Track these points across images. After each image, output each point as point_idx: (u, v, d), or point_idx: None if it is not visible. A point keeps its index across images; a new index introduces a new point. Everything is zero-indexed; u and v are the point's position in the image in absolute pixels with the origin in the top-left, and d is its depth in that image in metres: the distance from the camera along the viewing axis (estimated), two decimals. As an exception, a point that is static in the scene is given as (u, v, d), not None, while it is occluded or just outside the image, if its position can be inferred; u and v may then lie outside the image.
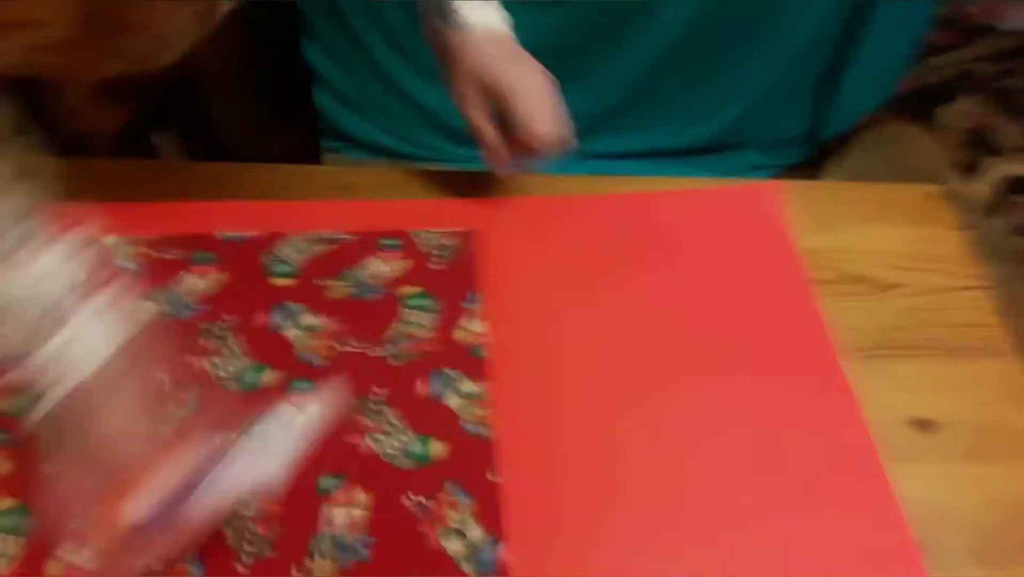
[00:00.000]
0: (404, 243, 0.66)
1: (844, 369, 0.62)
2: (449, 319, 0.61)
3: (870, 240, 0.72)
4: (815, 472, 0.56)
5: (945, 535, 0.55)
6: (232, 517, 0.50)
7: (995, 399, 0.63)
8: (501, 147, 0.64)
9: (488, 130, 0.64)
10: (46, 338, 0.43)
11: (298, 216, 0.67)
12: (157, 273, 0.61)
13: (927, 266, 0.71)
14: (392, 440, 0.55)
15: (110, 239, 0.62)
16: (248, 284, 0.62)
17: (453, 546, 0.50)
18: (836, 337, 0.64)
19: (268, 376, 0.57)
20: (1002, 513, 0.57)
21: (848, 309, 0.67)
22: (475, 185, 0.72)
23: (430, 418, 0.56)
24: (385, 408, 0.56)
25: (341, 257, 0.64)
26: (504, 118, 0.63)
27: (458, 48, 0.63)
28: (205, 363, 0.57)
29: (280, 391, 0.56)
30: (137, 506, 0.41)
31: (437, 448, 0.55)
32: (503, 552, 0.50)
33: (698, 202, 0.72)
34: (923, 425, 0.61)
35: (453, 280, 0.64)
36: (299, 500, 0.51)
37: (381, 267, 0.64)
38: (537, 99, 0.62)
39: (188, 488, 0.42)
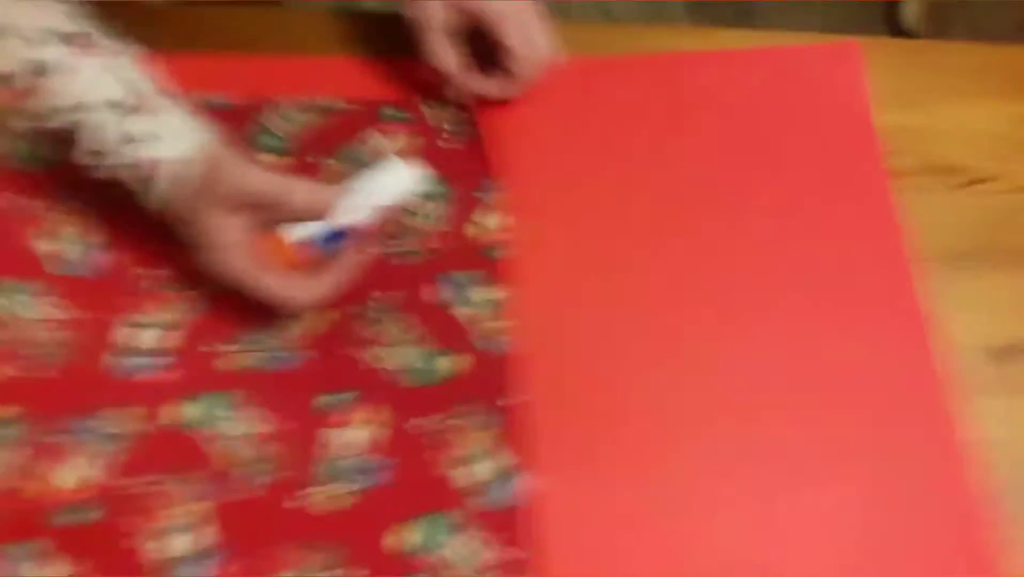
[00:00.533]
0: (412, 115, 0.57)
1: (916, 285, 0.54)
2: (462, 211, 0.55)
3: (966, 120, 0.61)
4: (869, 408, 0.51)
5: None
6: (229, 438, 0.48)
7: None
8: (468, 79, 0.55)
9: (454, 64, 0.55)
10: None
11: (288, 76, 0.58)
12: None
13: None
14: (401, 354, 0.51)
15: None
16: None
17: (466, 476, 0.48)
18: (911, 242, 0.56)
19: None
20: None
21: (929, 206, 0.58)
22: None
23: (438, 329, 0.51)
24: (387, 316, 0.51)
25: (337, 130, 0.56)
26: (488, 46, 0.54)
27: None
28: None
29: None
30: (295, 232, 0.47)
31: (445, 364, 0.51)
32: (523, 483, 0.48)
33: (760, 65, 0.61)
34: (1005, 353, 0.54)
35: (463, 163, 0.56)
36: (297, 423, 0.48)
37: (383, 143, 0.56)
38: (528, 26, 0.54)
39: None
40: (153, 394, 0.48)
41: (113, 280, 0.51)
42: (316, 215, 0.47)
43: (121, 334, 0.49)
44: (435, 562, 0.46)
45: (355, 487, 0.48)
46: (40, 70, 0.44)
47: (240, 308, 0.49)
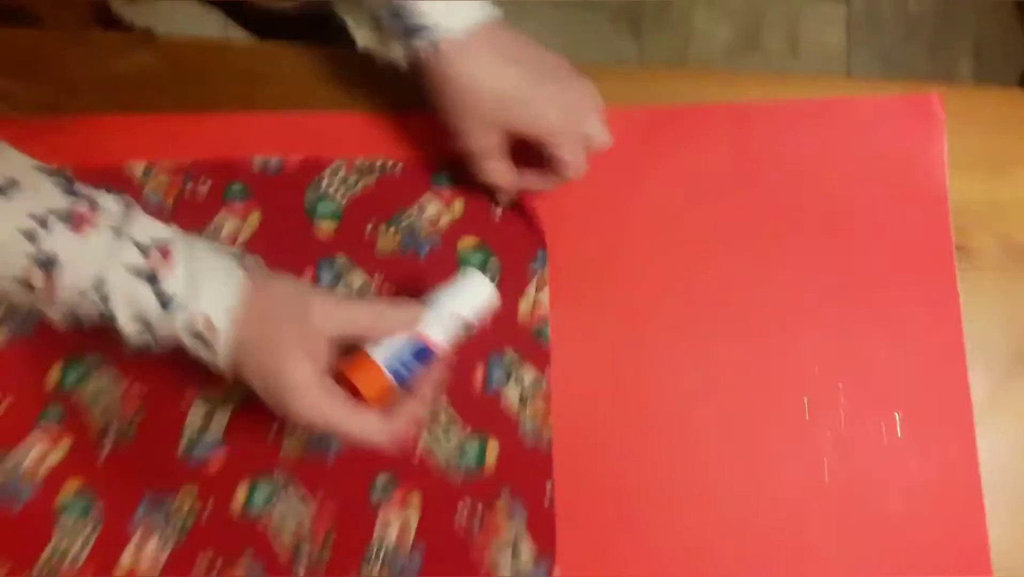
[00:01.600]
0: (459, 177, 0.55)
1: (967, 381, 0.53)
2: (515, 286, 0.54)
3: None
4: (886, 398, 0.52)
5: None
6: (286, 521, 0.50)
7: None
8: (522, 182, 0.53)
9: (513, 180, 0.52)
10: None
11: (343, 133, 0.56)
12: (191, 212, 0.54)
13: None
14: (445, 441, 0.52)
15: (137, 167, 0.55)
16: (290, 228, 0.54)
17: (505, 564, 0.50)
18: (971, 334, 0.54)
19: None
20: None
21: (998, 303, 0.55)
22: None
23: (484, 414, 0.52)
24: (439, 402, 0.52)
25: (393, 195, 0.55)
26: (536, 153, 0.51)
27: (444, 76, 0.47)
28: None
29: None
30: (380, 353, 0.44)
31: (491, 452, 0.52)
32: (556, 573, 0.50)
33: (832, 117, 0.57)
34: None
35: (514, 235, 0.55)
36: (352, 505, 0.51)
37: (438, 210, 0.55)
38: (581, 126, 0.50)
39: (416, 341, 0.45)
40: (218, 477, 0.51)
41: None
42: (406, 332, 0.45)
43: (193, 415, 0.51)
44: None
45: (395, 571, 0.50)
46: (51, 262, 0.41)
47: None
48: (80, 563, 0.50)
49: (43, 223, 0.41)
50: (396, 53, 0.48)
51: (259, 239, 0.54)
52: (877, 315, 0.54)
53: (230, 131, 0.55)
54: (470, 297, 0.47)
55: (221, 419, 0.52)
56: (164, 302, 0.42)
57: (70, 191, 0.42)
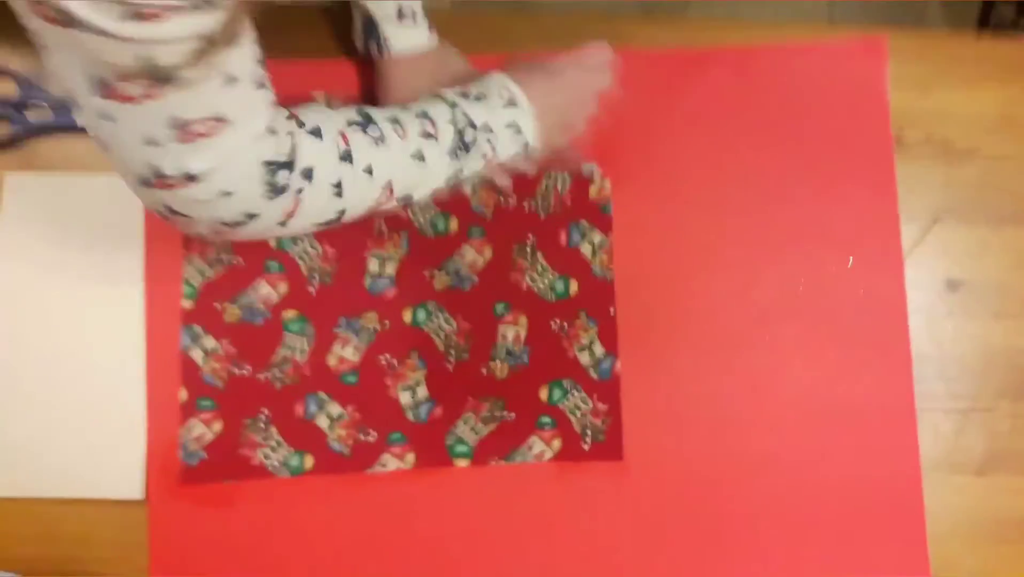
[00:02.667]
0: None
1: (900, 231, 0.77)
2: (583, 178, 0.77)
3: (962, 101, 0.80)
4: (843, 317, 0.76)
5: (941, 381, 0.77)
6: (439, 332, 0.75)
7: (1022, 265, 0.78)
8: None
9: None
10: None
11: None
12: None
13: (1007, 133, 0.80)
14: (542, 279, 0.76)
15: (319, 96, 0.77)
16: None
17: (584, 358, 0.75)
18: (904, 199, 0.78)
19: (453, 224, 0.76)
20: (997, 361, 0.77)
21: (925, 171, 0.79)
22: (613, 35, 0.80)
23: (569, 262, 0.76)
24: (537, 253, 0.76)
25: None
26: None
27: (386, 80, 0.71)
28: (405, 212, 0.76)
29: (463, 236, 0.76)
30: None
31: (573, 286, 0.76)
32: (617, 364, 0.75)
33: (806, 56, 0.80)
34: (953, 285, 0.78)
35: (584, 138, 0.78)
36: (482, 321, 0.75)
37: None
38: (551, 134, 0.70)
39: None
40: (392, 303, 0.75)
41: (362, 227, 0.75)
42: None
43: (372, 263, 0.75)
44: (560, 408, 0.75)
45: (513, 363, 0.75)
46: (419, 156, 0.61)
47: (440, 246, 0.75)
48: (302, 360, 0.74)
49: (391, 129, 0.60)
50: (372, 51, 0.71)
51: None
52: (837, 188, 0.78)
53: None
54: None
55: (390, 267, 0.76)
56: (487, 134, 0.64)
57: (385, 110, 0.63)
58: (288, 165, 0.53)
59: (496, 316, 0.76)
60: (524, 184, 0.76)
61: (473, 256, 0.76)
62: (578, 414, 0.75)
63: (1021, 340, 0.78)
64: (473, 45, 0.76)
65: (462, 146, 0.62)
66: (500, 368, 0.75)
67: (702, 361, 0.76)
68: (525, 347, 0.75)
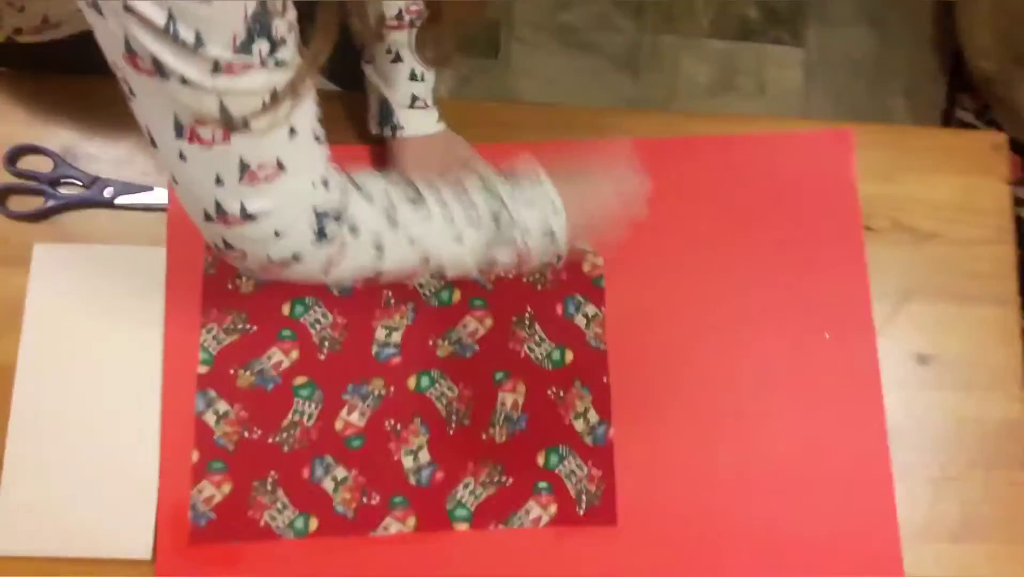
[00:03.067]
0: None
1: (872, 309, 0.83)
2: (577, 253, 0.83)
3: (924, 189, 0.88)
4: (822, 389, 0.81)
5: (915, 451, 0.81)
6: (442, 398, 0.79)
7: (988, 341, 0.84)
8: None
9: None
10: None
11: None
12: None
13: (967, 218, 0.87)
14: (539, 349, 0.81)
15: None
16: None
17: (579, 425, 0.79)
18: (875, 279, 0.84)
19: (456, 295, 0.81)
20: (967, 432, 0.82)
21: (892, 255, 0.86)
22: (602, 125, 0.88)
23: (564, 333, 0.81)
24: (535, 324, 0.81)
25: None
26: None
27: (399, 162, 0.78)
28: (412, 282, 0.81)
29: (464, 307, 0.81)
30: None
31: (568, 356, 0.81)
32: (611, 431, 0.79)
33: (777, 146, 0.87)
34: (923, 359, 0.83)
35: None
36: (482, 388, 0.79)
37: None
38: None
39: None
40: (397, 370, 0.79)
41: (371, 297, 0.81)
42: None
43: (379, 332, 0.80)
44: (557, 473, 0.78)
45: (511, 429, 0.79)
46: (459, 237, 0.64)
47: (444, 316, 0.80)
48: (310, 425, 0.78)
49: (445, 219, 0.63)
50: (386, 133, 0.79)
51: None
52: (812, 267, 0.84)
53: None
54: None
55: (397, 336, 0.80)
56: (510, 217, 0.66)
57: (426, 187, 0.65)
58: (337, 217, 0.58)
59: (495, 383, 0.80)
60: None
61: (475, 326, 0.81)
62: (573, 480, 0.78)
63: (989, 411, 0.83)
64: (468, 131, 0.83)
65: (501, 241, 0.65)
66: (499, 433, 0.79)
67: (691, 428, 0.80)
68: (523, 413, 0.79)
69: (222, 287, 0.80)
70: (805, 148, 0.87)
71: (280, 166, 0.51)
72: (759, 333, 0.83)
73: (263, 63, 0.45)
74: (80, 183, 0.83)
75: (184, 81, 0.44)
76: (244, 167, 0.50)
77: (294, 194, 0.54)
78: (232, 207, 0.52)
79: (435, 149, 0.79)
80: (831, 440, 0.80)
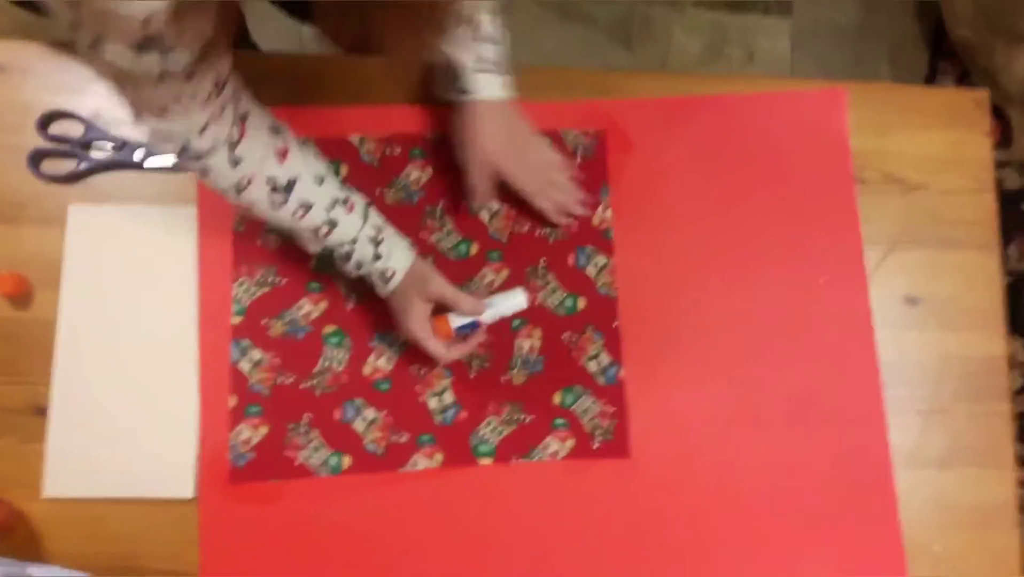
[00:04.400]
0: (554, 140, 0.89)
1: (864, 256, 0.89)
2: (589, 208, 0.88)
3: (912, 144, 0.93)
4: (818, 330, 0.87)
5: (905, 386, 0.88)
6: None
7: (972, 283, 0.90)
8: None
9: (489, 201, 0.86)
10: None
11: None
12: (390, 166, 0.88)
13: (952, 170, 0.93)
14: (553, 297, 0.86)
15: (354, 138, 0.88)
16: (449, 175, 0.88)
17: (591, 366, 0.85)
18: (866, 228, 0.90)
19: (474, 249, 0.86)
20: (953, 368, 0.88)
21: (882, 205, 0.91)
22: (606, 86, 0.92)
23: (577, 282, 0.86)
24: (548, 274, 0.86)
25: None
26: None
27: (469, 125, 0.81)
28: (431, 238, 0.86)
29: (482, 260, 0.86)
30: (454, 320, 0.79)
31: (581, 303, 0.86)
32: (621, 371, 0.84)
33: (774, 104, 0.92)
34: (912, 301, 0.89)
35: (591, 174, 0.89)
36: (501, 335, 0.85)
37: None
38: (543, 189, 0.85)
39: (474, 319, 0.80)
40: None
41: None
42: (470, 315, 0.79)
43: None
44: (572, 411, 0.84)
45: (529, 371, 0.84)
46: (333, 224, 0.74)
47: (463, 268, 0.85)
48: (340, 370, 0.83)
49: (333, 202, 0.73)
50: (454, 98, 0.82)
51: (433, 183, 0.88)
52: (808, 218, 0.89)
53: (407, 116, 0.89)
54: (512, 304, 0.81)
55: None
56: (376, 256, 0.76)
57: (343, 186, 0.75)
58: (196, 157, 0.69)
59: (513, 330, 0.85)
60: (536, 213, 0.87)
61: (492, 277, 0.86)
62: (588, 417, 0.84)
63: (973, 348, 0.89)
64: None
65: (346, 249, 0.76)
66: (518, 375, 0.84)
67: (697, 368, 0.86)
68: (540, 357, 0.85)
69: (252, 243, 0.85)
70: (800, 105, 0.93)
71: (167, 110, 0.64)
72: (759, 279, 0.88)
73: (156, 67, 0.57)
74: (111, 146, 0.87)
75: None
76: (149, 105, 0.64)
77: (173, 131, 0.67)
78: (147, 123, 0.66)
79: (503, 116, 0.82)
80: (827, 378, 0.86)
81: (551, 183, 0.86)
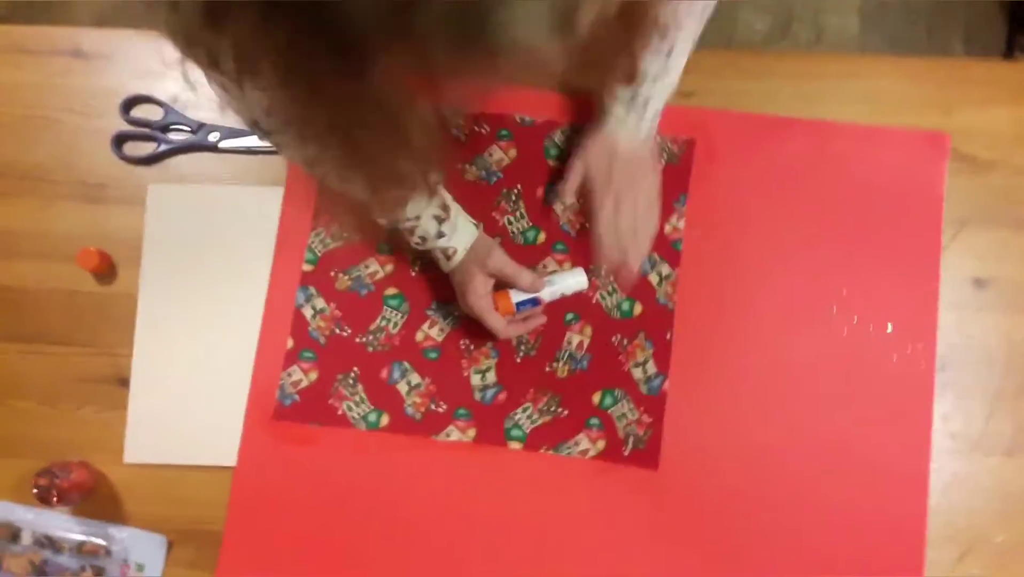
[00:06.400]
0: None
1: (937, 315, 0.85)
2: (662, 214, 0.88)
3: (982, 120, 0.90)
4: (875, 384, 0.84)
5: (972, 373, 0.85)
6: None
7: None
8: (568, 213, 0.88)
9: (573, 184, 0.85)
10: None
11: (567, 106, 0.91)
12: (476, 144, 0.90)
13: (1025, 149, 0.88)
14: (611, 298, 0.86)
15: (448, 110, 0.90)
16: (532, 161, 0.89)
17: (637, 373, 0.85)
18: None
19: (542, 237, 0.88)
20: (1021, 353, 0.85)
21: (950, 184, 0.88)
22: (703, 96, 0.92)
23: (637, 287, 0.86)
24: (610, 274, 0.87)
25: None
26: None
27: (585, 135, 0.82)
28: (503, 220, 0.88)
29: (547, 248, 0.87)
30: (515, 296, 0.80)
31: (637, 308, 0.86)
32: (666, 384, 0.84)
33: (875, 138, 0.89)
34: (980, 283, 0.87)
35: (671, 181, 0.88)
36: (552, 325, 0.86)
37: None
38: (609, 235, 0.82)
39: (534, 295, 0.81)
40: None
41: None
42: (528, 291, 0.80)
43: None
44: (609, 413, 0.84)
45: (573, 366, 0.85)
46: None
47: (528, 254, 0.86)
48: (394, 332, 0.86)
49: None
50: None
51: (513, 166, 0.89)
52: (887, 261, 0.87)
53: (501, 97, 0.91)
54: (572, 283, 0.82)
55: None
56: (439, 234, 0.78)
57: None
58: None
59: (565, 323, 0.86)
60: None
61: (554, 268, 0.87)
62: (624, 422, 0.84)
63: (1042, 333, 0.85)
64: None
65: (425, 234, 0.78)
66: (562, 369, 0.85)
67: (744, 395, 0.85)
68: (586, 354, 0.85)
69: (334, 196, 0.89)
70: (900, 143, 0.89)
71: None
72: (823, 317, 0.86)
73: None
74: (188, 129, 0.92)
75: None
76: None
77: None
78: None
79: (617, 150, 0.82)
80: (873, 433, 0.83)
81: (627, 221, 0.83)
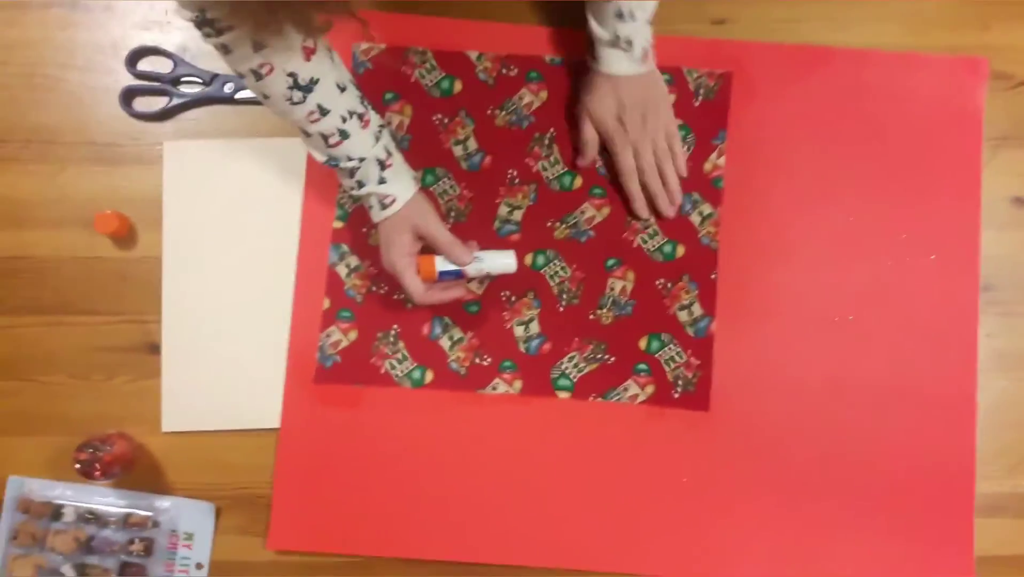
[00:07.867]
0: (675, 78, 0.86)
1: (979, 235, 0.84)
2: (700, 152, 0.85)
3: (1019, 36, 0.88)
4: (921, 313, 0.84)
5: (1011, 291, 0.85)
6: (555, 276, 0.83)
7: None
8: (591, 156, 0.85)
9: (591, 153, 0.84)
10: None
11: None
12: (504, 87, 0.86)
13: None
14: (652, 241, 0.84)
15: (472, 54, 0.86)
16: (564, 103, 0.86)
17: (683, 316, 0.83)
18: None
19: (578, 182, 0.85)
20: None
21: (988, 102, 0.87)
22: (735, 24, 0.88)
23: (678, 228, 0.84)
24: (650, 217, 0.84)
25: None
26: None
27: (586, 88, 0.82)
28: (537, 165, 0.85)
29: (584, 194, 0.85)
30: (440, 264, 0.77)
31: (680, 250, 0.84)
32: (713, 325, 0.83)
33: (914, 65, 0.87)
34: (1019, 202, 0.86)
35: (709, 118, 0.86)
36: (594, 272, 0.84)
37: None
38: (635, 186, 0.83)
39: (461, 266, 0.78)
40: (516, 247, 0.83)
41: (497, 174, 0.85)
42: (455, 262, 0.77)
43: (502, 209, 0.84)
44: (657, 358, 0.83)
45: (618, 312, 0.83)
46: (344, 135, 0.72)
47: (564, 201, 0.84)
48: (433, 287, 0.84)
49: (350, 114, 0.72)
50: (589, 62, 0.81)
51: (545, 109, 0.86)
52: (928, 190, 0.85)
53: (528, 36, 0.87)
54: (500, 263, 0.78)
55: (518, 214, 0.84)
56: (380, 180, 0.75)
57: (363, 101, 0.74)
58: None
59: (607, 269, 0.84)
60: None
61: (592, 213, 0.85)
62: (672, 365, 0.83)
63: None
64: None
65: (353, 164, 0.75)
66: (606, 316, 0.84)
67: (790, 332, 0.84)
68: (630, 300, 0.84)
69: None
70: (938, 71, 0.87)
71: None
72: (867, 249, 0.85)
73: None
74: (200, 81, 0.87)
75: None
76: None
77: None
78: None
79: (620, 89, 0.80)
80: (922, 364, 0.83)
81: (649, 167, 0.83)
